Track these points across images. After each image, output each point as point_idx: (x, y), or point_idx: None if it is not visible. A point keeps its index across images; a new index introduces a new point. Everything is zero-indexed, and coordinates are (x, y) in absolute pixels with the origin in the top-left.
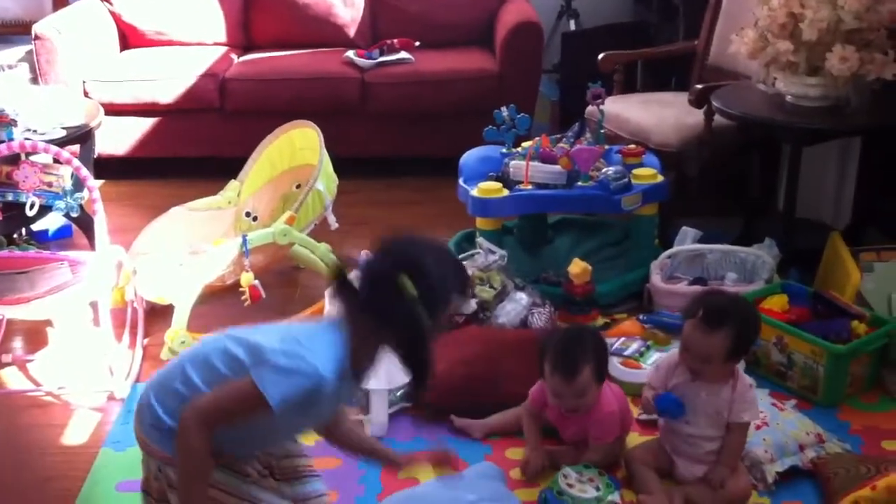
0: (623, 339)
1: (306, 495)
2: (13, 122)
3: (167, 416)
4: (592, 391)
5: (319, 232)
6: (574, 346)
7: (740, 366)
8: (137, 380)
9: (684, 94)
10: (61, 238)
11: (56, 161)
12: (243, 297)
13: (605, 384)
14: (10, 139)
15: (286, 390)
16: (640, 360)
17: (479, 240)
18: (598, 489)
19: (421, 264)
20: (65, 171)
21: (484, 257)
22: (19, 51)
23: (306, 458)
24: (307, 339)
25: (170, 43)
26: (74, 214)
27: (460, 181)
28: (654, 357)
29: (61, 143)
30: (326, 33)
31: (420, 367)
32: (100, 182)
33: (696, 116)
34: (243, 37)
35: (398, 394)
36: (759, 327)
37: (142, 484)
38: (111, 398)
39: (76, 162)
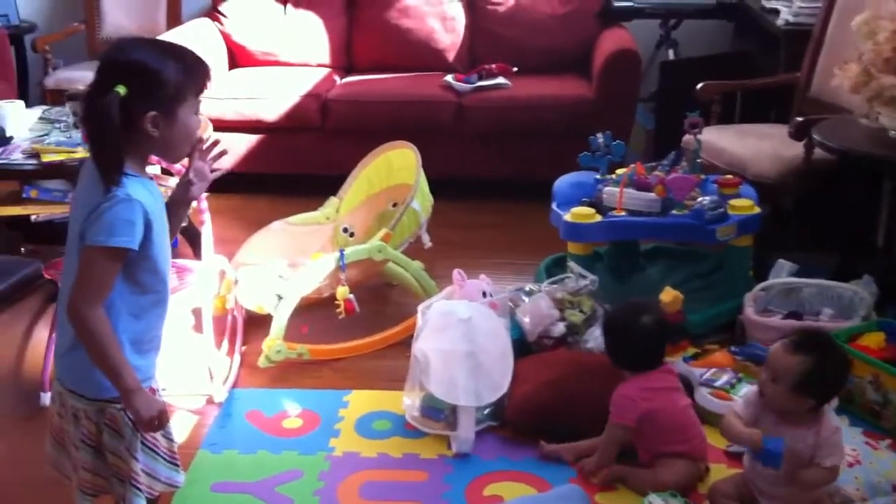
0: (714, 370)
1: None
2: None
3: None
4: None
5: (413, 250)
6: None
7: (831, 406)
8: (235, 385)
9: (782, 125)
10: None
11: (165, 172)
12: (338, 310)
13: (669, 393)
14: None
15: (120, 226)
16: (730, 391)
17: (571, 264)
18: None
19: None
20: (174, 182)
21: (574, 282)
22: None
23: None
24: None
25: (276, 63)
26: (182, 224)
27: (553, 205)
28: (745, 389)
29: None
30: (426, 57)
31: None
32: (206, 194)
33: (794, 149)
34: (346, 59)
35: (485, 412)
36: (841, 380)
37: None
38: (209, 402)
39: None
